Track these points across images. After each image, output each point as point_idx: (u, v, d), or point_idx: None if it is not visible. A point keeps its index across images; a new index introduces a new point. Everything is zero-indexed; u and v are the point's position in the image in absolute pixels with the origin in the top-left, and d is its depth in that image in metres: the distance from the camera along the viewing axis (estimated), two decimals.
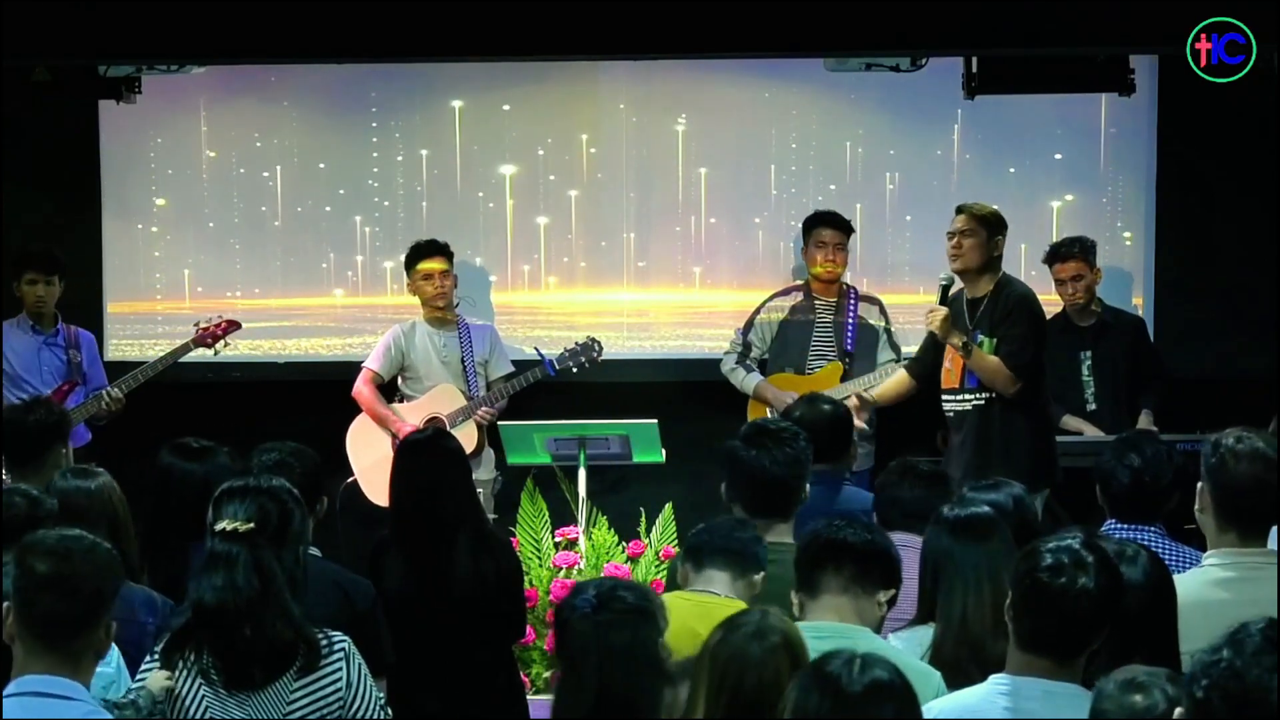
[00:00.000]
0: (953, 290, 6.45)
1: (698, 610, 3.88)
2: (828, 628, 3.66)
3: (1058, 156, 8.24)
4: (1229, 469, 4.03)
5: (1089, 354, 7.41)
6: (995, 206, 6.55)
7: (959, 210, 6.49)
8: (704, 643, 3.13)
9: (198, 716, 3.60)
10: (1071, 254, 7.37)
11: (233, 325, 7.51)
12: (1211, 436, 4.14)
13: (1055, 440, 6.53)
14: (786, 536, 4.55)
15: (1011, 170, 8.27)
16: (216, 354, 7.50)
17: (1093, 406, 7.36)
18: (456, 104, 8.29)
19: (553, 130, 8.28)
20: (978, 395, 6.37)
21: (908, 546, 4.71)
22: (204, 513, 4.12)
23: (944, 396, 6.47)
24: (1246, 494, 4.02)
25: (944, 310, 6.34)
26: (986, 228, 6.38)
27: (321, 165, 8.38)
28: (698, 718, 3.06)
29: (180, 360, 7.36)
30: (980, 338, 6.34)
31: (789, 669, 3.04)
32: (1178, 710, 2.44)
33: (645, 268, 8.31)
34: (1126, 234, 8.24)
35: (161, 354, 7.38)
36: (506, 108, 8.28)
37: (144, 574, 4.45)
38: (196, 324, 7.49)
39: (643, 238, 8.32)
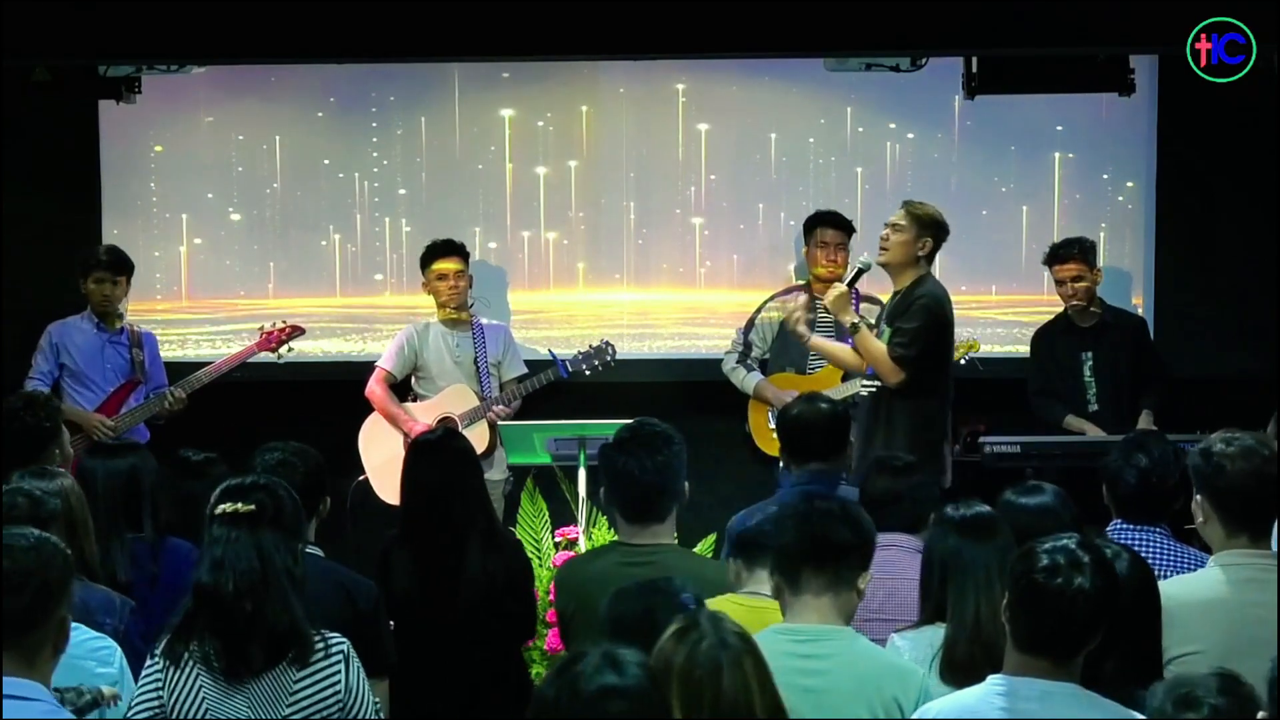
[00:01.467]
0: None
1: (751, 615, 3.85)
2: (809, 630, 3.65)
3: (1057, 156, 8.25)
4: (1228, 473, 4.03)
5: (1090, 354, 7.41)
6: (937, 210, 6.60)
7: (903, 204, 6.63)
8: (664, 660, 3.05)
9: (196, 717, 3.62)
10: (1070, 255, 7.37)
11: (296, 330, 7.57)
12: (1197, 447, 4.13)
13: (945, 446, 6.55)
14: (665, 537, 4.53)
15: (1011, 170, 8.27)
16: (280, 359, 7.55)
17: (1095, 407, 7.37)
18: (461, 102, 8.31)
19: (552, 125, 8.30)
20: (873, 383, 6.52)
21: (897, 546, 4.74)
22: (133, 507, 4.15)
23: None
24: (1250, 492, 4.02)
25: (842, 288, 6.59)
26: (917, 226, 6.51)
27: (322, 165, 8.38)
28: None
29: (183, 360, 7.41)
30: (884, 328, 6.51)
31: (754, 667, 3.03)
32: (1261, 714, 2.45)
33: (646, 261, 8.32)
34: (1127, 234, 8.24)
35: (227, 355, 7.49)
36: (502, 110, 8.30)
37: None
38: (260, 328, 7.57)
39: (642, 224, 8.33)
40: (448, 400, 7.42)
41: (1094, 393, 7.40)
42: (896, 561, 4.62)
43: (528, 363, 7.60)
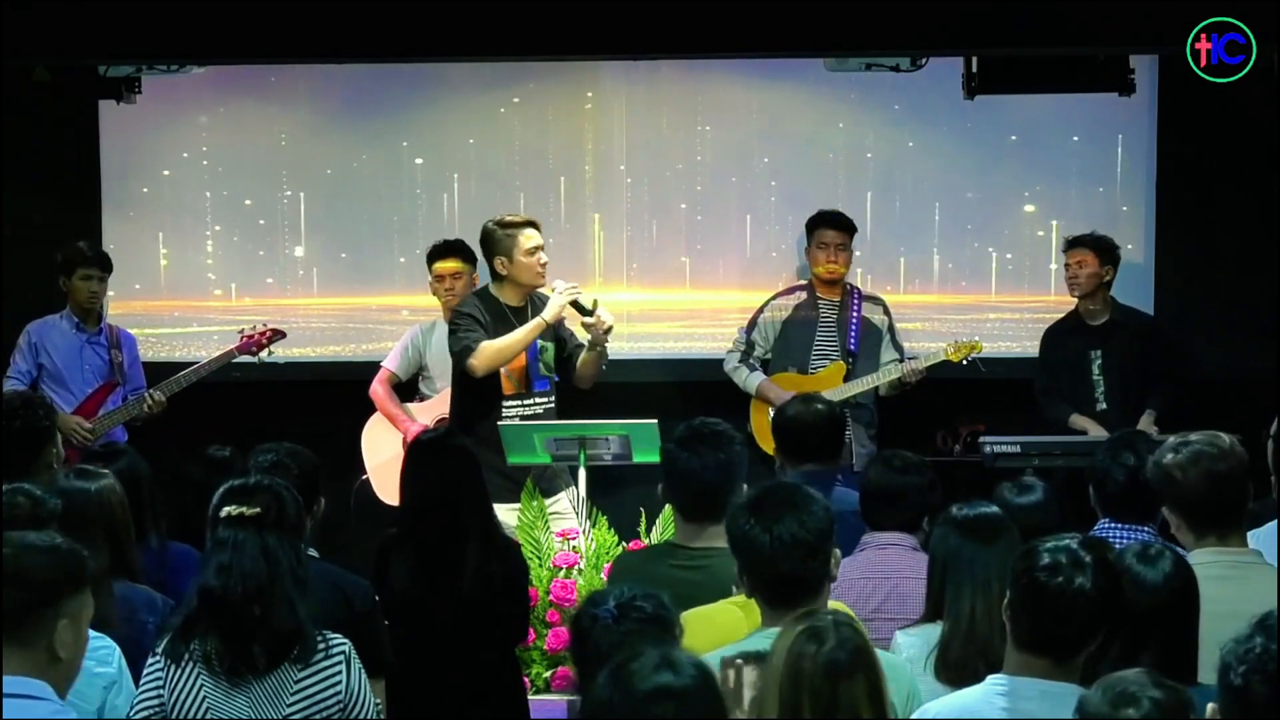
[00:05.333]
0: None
1: (753, 615, 3.81)
2: None
3: (1057, 156, 8.24)
4: (1180, 482, 4.05)
5: (1099, 353, 7.42)
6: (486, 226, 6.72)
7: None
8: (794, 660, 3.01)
9: (197, 716, 3.63)
10: (1081, 242, 7.43)
11: (277, 334, 7.52)
12: (1151, 457, 4.14)
13: None
14: (719, 540, 4.48)
15: (1010, 171, 8.27)
16: (260, 362, 7.53)
17: (1102, 406, 7.37)
18: (462, 102, 8.32)
19: (552, 125, 8.31)
20: (549, 399, 6.73)
21: (895, 545, 4.74)
22: (136, 510, 4.39)
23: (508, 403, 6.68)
24: (1205, 496, 4.04)
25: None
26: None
27: (322, 165, 8.38)
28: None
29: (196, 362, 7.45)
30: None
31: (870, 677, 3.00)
32: (1210, 706, 2.44)
33: (647, 261, 8.32)
34: (1127, 234, 8.22)
35: (208, 358, 7.44)
36: (503, 110, 8.32)
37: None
38: (241, 331, 7.52)
39: (643, 224, 8.33)
40: (446, 401, 7.42)
41: (1102, 391, 7.40)
42: (896, 560, 4.63)
43: None
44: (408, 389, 7.60)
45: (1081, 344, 7.45)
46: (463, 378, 6.61)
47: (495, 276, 6.74)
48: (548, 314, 6.57)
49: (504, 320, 6.65)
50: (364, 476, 7.42)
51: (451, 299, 7.46)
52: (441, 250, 7.51)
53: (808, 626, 3.00)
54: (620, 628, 3.28)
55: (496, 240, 6.69)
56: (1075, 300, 7.50)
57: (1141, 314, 7.78)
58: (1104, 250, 7.43)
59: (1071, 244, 7.46)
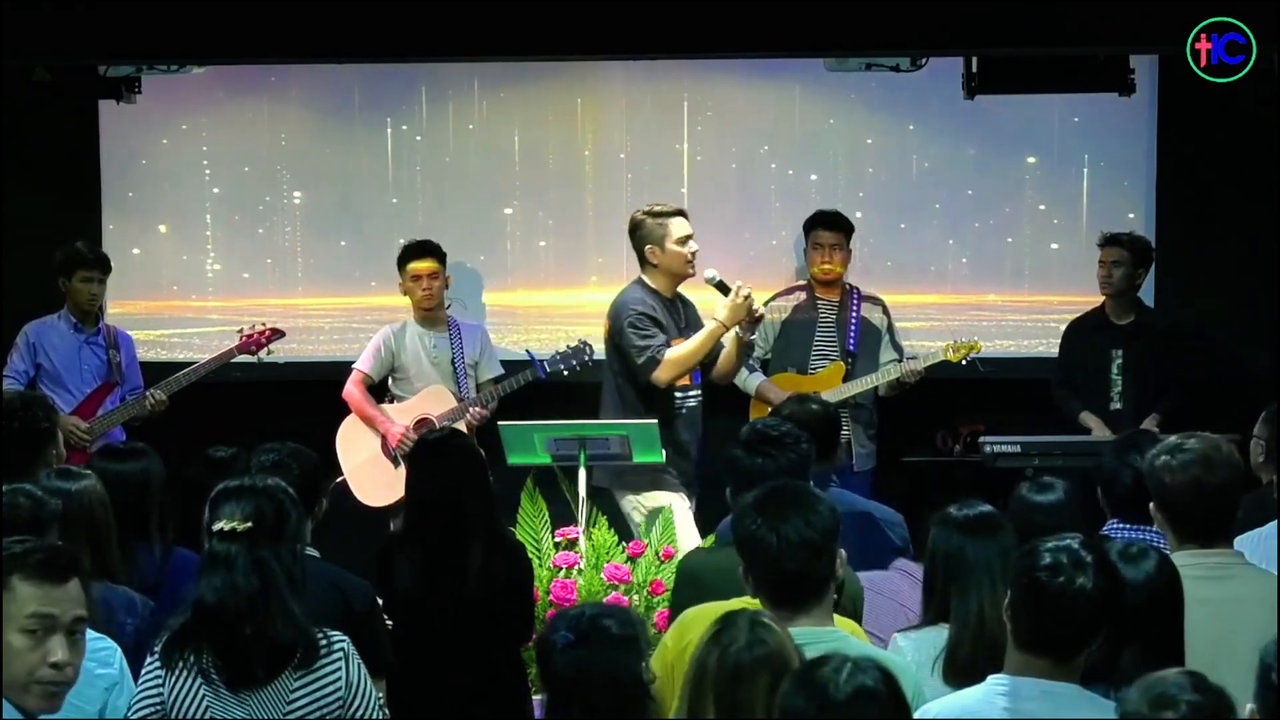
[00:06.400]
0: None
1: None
2: (801, 634, 3.52)
3: (1056, 157, 8.25)
4: (1169, 485, 4.03)
5: (1120, 353, 7.40)
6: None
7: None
8: (700, 660, 3.03)
9: (197, 716, 3.62)
10: (1115, 240, 7.42)
11: (276, 333, 7.55)
12: (1148, 453, 4.12)
13: None
14: None
15: (1010, 171, 8.27)
16: (260, 361, 7.53)
17: (1117, 405, 7.35)
18: (461, 101, 8.32)
19: (552, 125, 8.31)
20: (700, 390, 6.69)
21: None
22: (142, 514, 4.35)
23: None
24: (1189, 505, 4.02)
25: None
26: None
27: (321, 165, 8.38)
28: None
29: (192, 362, 7.47)
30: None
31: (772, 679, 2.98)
32: (1249, 706, 2.44)
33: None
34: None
35: (207, 357, 7.48)
36: (503, 109, 8.33)
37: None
38: (240, 330, 7.54)
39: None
40: (425, 401, 7.42)
41: (1118, 391, 7.38)
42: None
43: (506, 363, 7.60)
44: (377, 390, 7.58)
45: (1104, 342, 7.43)
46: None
47: (644, 265, 6.69)
48: (725, 317, 6.47)
49: (663, 313, 6.65)
50: (339, 479, 7.38)
51: (428, 299, 7.45)
52: (417, 250, 7.49)
53: (720, 626, 2.99)
54: (580, 651, 3.20)
55: (648, 229, 6.65)
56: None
57: (1166, 317, 7.76)
58: (1139, 251, 7.42)
59: (1108, 241, 7.43)
